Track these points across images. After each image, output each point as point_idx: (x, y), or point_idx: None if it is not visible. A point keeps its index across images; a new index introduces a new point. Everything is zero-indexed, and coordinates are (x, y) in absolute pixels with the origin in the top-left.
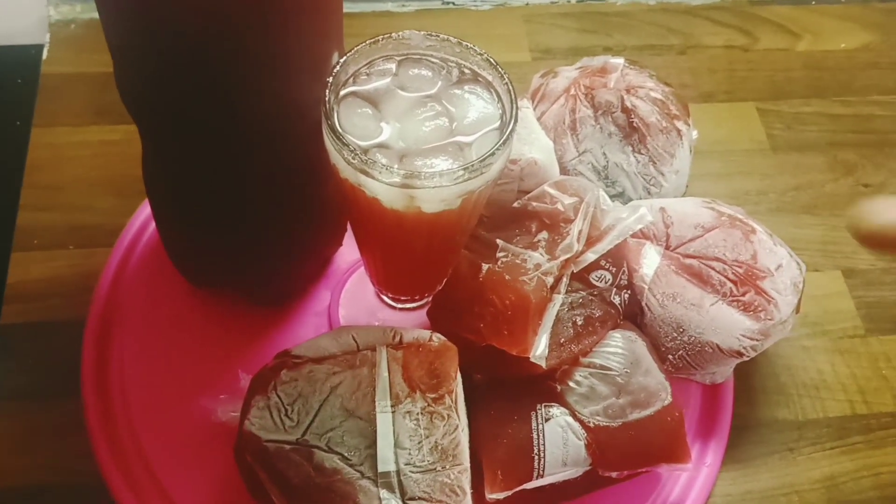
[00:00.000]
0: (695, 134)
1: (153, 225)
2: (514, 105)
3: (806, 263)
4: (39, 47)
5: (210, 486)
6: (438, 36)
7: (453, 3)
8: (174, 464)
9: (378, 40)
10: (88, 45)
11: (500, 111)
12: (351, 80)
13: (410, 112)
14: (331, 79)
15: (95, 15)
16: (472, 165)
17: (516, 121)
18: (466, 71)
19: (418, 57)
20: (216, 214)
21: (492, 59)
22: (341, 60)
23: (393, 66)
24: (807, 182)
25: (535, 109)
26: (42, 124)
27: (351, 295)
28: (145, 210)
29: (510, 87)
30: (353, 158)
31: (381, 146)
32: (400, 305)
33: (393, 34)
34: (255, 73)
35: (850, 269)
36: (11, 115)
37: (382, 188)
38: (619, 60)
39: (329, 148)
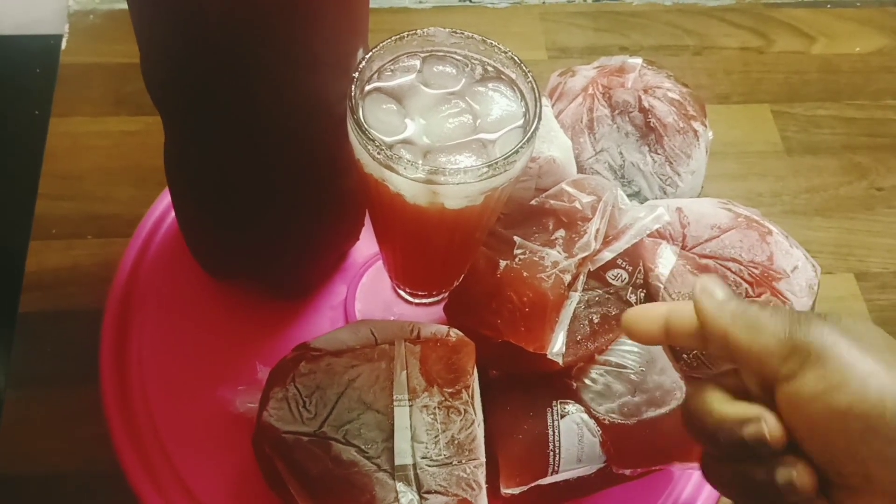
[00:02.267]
0: (710, 135)
1: (172, 215)
2: (538, 103)
3: (819, 266)
4: (58, 37)
5: (227, 475)
6: (463, 33)
7: (470, 1)
8: (192, 453)
9: (403, 37)
10: (107, 36)
11: (524, 109)
12: (376, 75)
13: (434, 109)
14: (356, 74)
15: (115, 5)
16: (497, 163)
17: (540, 119)
18: (490, 68)
19: (442, 54)
20: (237, 207)
21: (516, 58)
22: (367, 56)
23: (417, 62)
24: (820, 185)
25: (552, 108)
26: (61, 114)
27: (367, 289)
28: (164, 200)
29: (534, 86)
30: (378, 154)
31: (405, 142)
32: (417, 300)
33: (418, 31)
34: (282, 66)
35: (862, 273)
36: (30, 105)
37: (406, 184)
38: (637, 60)
39: (354, 143)
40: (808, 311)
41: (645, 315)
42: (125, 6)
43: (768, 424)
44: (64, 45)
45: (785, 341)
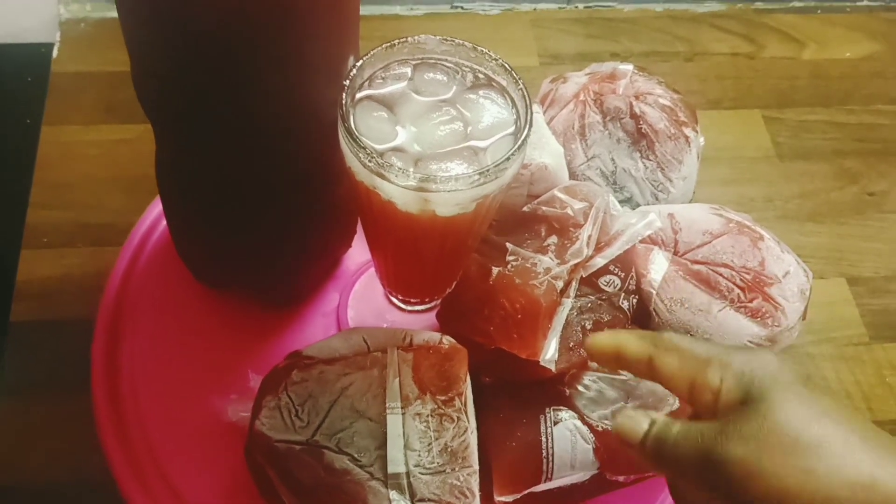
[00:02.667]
0: (701, 140)
1: (163, 224)
2: (529, 110)
3: (811, 271)
4: (49, 46)
5: (219, 484)
6: (454, 40)
7: (462, 7)
8: (184, 462)
9: (394, 44)
10: (99, 44)
11: (515, 116)
12: (367, 83)
13: (425, 116)
14: (347, 82)
15: (106, 14)
16: (488, 170)
17: (531, 126)
18: (481, 76)
19: (433, 61)
20: (229, 215)
21: (507, 65)
22: (357, 64)
23: (408, 70)
24: (812, 190)
25: (544, 114)
26: (52, 122)
27: (360, 296)
28: (156, 209)
29: (525, 93)
30: (369, 161)
31: (396, 150)
32: (409, 307)
33: (409, 38)
34: (272, 74)
35: (854, 277)
36: (21, 114)
37: (397, 191)
38: (629, 67)
39: (345, 150)
40: (716, 428)
41: (599, 345)
42: (116, 15)
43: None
44: (55, 53)
45: (703, 482)
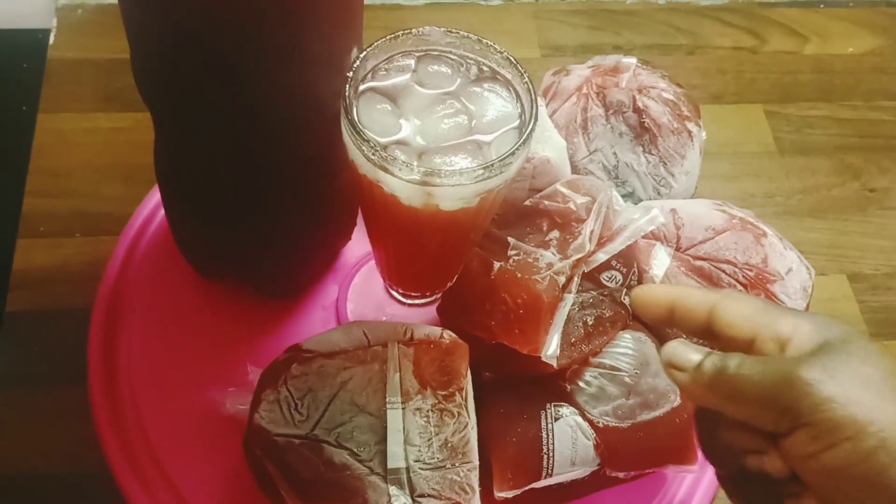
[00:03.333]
0: (704, 135)
1: (161, 214)
2: (534, 104)
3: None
4: (46, 32)
5: (218, 478)
6: (458, 33)
7: None
8: (181, 455)
9: (398, 36)
10: (96, 31)
11: (519, 110)
12: (370, 75)
13: (429, 109)
14: (351, 73)
15: (103, 0)
16: (492, 164)
17: (536, 120)
18: (485, 69)
19: (437, 53)
20: (229, 205)
21: (512, 58)
22: (361, 55)
23: (412, 62)
24: (813, 185)
25: (546, 107)
26: (48, 110)
27: (359, 289)
28: (153, 198)
29: (530, 87)
30: (373, 155)
31: (399, 143)
32: (409, 301)
33: (413, 30)
34: (274, 63)
35: (855, 274)
36: (18, 100)
37: (401, 185)
38: (632, 60)
39: (348, 143)
40: (795, 358)
41: (652, 296)
42: (114, 0)
43: (768, 460)
44: (52, 39)
45: (771, 405)
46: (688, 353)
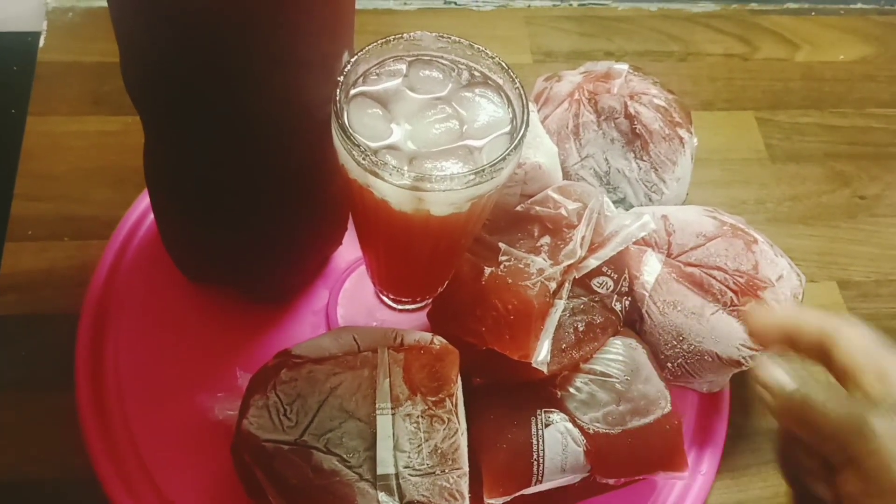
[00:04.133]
0: (695, 142)
1: (151, 218)
2: (526, 110)
3: (803, 275)
4: (36, 35)
5: (206, 484)
6: (450, 38)
7: (455, 3)
8: (169, 461)
9: (389, 40)
10: (86, 34)
11: (511, 115)
12: (361, 79)
13: (420, 114)
14: (341, 77)
15: (93, 3)
16: (483, 170)
17: (527, 126)
18: (477, 74)
19: (429, 58)
20: (218, 210)
21: (503, 63)
22: (352, 60)
23: (403, 66)
24: (804, 193)
25: (538, 112)
26: (38, 112)
27: (350, 294)
28: (143, 203)
29: (521, 92)
30: (363, 159)
31: (390, 147)
32: (400, 307)
33: (404, 35)
34: (265, 67)
35: (845, 281)
36: (6, 103)
37: (391, 190)
38: (624, 66)
39: (338, 148)
40: (871, 408)
41: (769, 323)
42: (104, 3)
43: (822, 486)
44: (42, 42)
45: (836, 437)
46: (781, 378)
